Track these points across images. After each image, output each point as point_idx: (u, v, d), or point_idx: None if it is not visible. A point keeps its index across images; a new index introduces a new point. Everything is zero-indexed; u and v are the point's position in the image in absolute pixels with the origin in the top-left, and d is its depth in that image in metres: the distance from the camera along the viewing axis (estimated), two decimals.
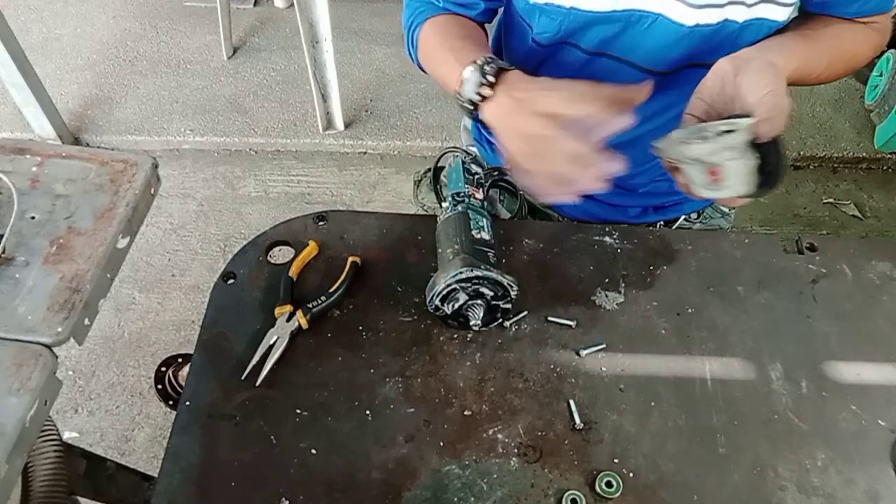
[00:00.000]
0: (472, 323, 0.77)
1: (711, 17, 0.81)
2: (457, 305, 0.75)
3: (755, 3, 0.80)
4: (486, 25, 0.98)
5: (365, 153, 2.37)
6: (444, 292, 0.74)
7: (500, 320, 0.80)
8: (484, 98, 0.77)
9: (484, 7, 0.93)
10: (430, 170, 1.04)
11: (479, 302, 0.76)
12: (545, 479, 0.69)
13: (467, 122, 1.20)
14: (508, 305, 0.77)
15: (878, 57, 2.33)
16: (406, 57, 0.99)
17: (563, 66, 0.92)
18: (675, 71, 0.88)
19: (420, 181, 1.14)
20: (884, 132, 2.28)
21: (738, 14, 0.81)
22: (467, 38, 0.87)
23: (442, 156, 0.99)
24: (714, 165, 0.70)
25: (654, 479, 0.69)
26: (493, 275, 0.73)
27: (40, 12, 2.76)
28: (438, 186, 0.99)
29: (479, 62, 0.77)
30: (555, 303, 0.82)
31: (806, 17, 0.88)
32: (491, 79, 0.76)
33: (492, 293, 0.75)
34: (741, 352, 0.79)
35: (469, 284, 0.74)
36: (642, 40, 0.85)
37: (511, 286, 0.75)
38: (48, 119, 2.21)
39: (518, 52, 0.96)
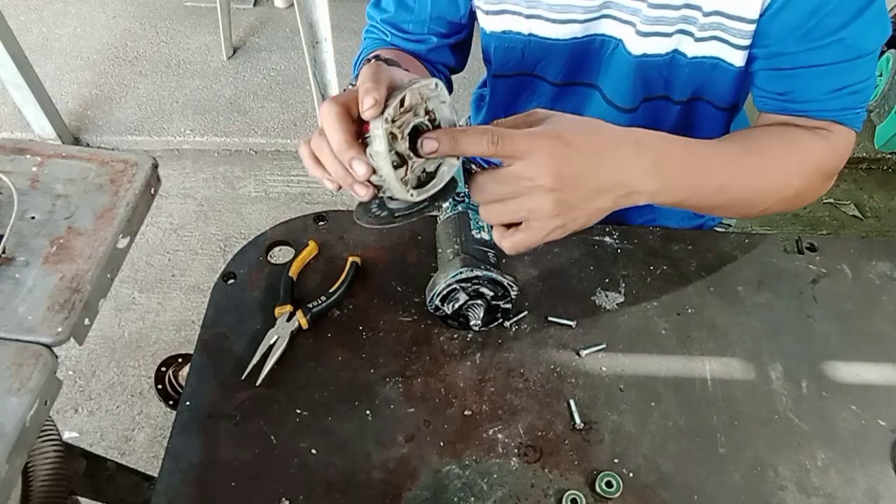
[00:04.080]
0: (472, 323, 0.77)
1: (660, 46, 0.78)
2: (457, 305, 0.75)
3: (705, 39, 0.76)
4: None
5: None
6: (444, 292, 0.74)
7: (500, 320, 0.79)
8: None
9: (436, 43, 0.88)
10: None
11: (479, 302, 0.76)
12: (545, 479, 0.68)
13: None
14: (508, 305, 0.77)
15: (879, 57, 2.33)
16: None
17: (534, 100, 0.92)
18: (639, 107, 0.86)
19: None
20: (884, 132, 2.28)
21: (687, 47, 0.78)
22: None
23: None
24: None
25: (654, 479, 0.69)
26: (493, 275, 0.73)
27: (40, 12, 2.76)
28: None
29: None
30: (555, 303, 0.82)
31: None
32: None
33: (492, 293, 0.75)
34: (741, 352, 0.79)
35: (469, 284, 0.74)
36: (607, 67, 0.82)
37: (511, 286, 0.75)
38: (48, 119, 2.21)
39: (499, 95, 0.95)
